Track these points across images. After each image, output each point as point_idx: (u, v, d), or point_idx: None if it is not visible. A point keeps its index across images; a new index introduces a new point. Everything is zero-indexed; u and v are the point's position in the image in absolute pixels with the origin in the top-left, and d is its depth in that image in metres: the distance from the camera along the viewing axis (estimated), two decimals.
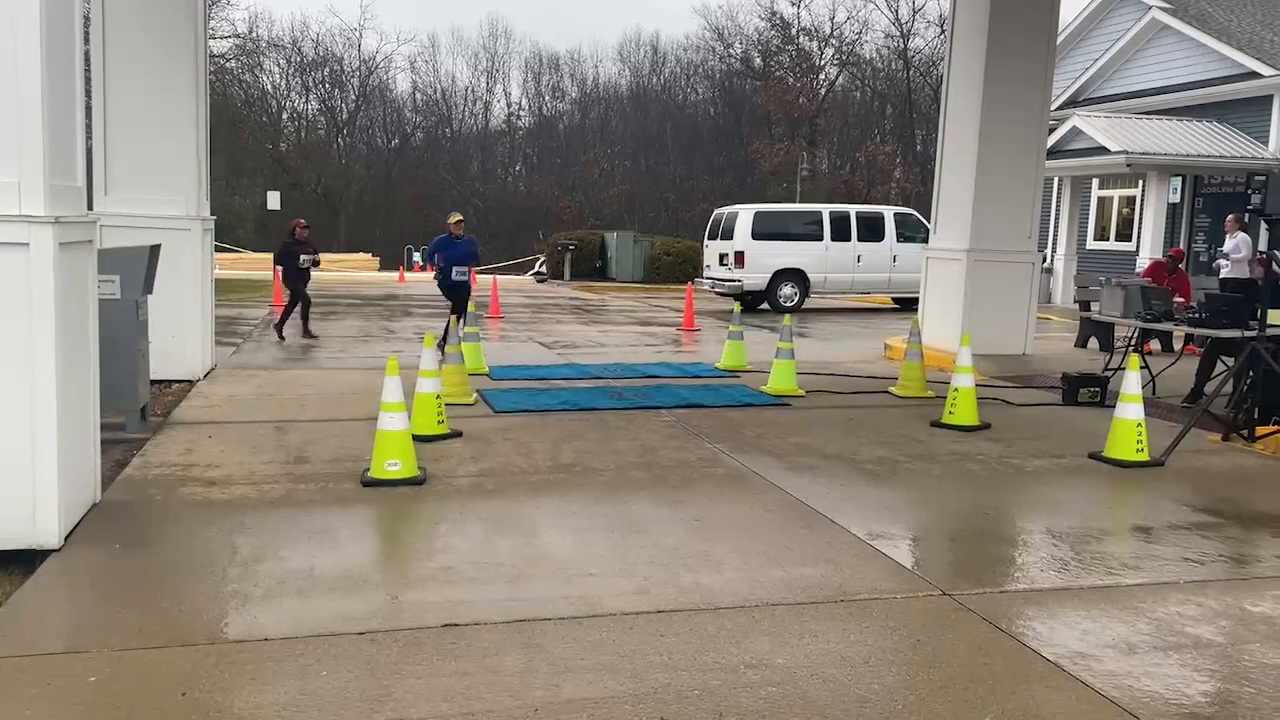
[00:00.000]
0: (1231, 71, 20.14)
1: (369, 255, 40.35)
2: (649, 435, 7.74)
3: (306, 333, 13.63)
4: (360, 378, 10.08)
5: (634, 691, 3.50)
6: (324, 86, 57.37)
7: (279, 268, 14.13)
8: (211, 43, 37.91)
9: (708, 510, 5.82)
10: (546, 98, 61.14)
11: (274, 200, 31.03)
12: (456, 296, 12.37)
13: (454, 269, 12.39)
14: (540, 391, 9.56)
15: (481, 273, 34.41)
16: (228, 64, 50.35)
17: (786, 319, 10.32)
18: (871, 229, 20.77)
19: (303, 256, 13.41)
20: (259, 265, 33.90)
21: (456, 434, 7.46)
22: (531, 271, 35.28)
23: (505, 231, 52.52)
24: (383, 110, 59.03)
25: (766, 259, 20.02)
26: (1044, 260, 21.46)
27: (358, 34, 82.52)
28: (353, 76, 57.89)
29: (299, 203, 49.83)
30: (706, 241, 21.78)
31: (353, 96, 58.04)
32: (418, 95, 59.90)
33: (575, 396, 9.29)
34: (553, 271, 32.43)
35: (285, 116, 57.36)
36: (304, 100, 57.41)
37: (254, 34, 53.26)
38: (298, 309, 13.57)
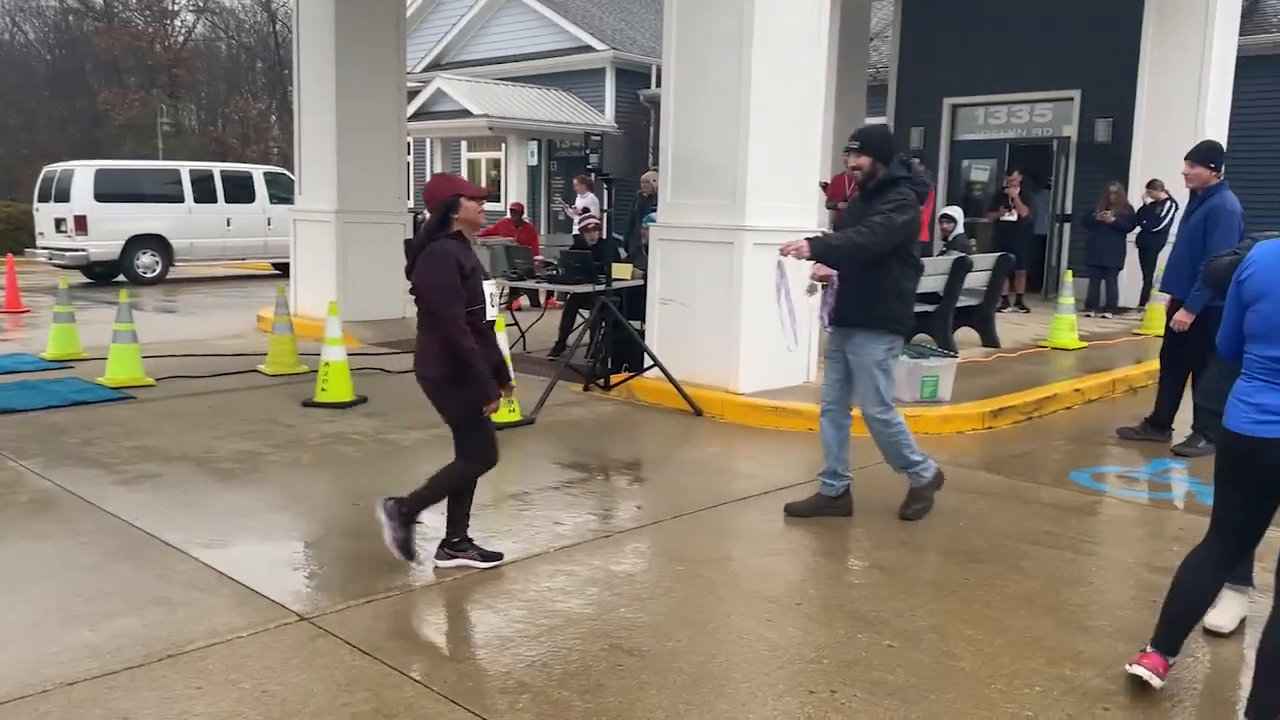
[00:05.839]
0: (572, 44, 22.02)
1: None
2: None
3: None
4: None
5: None
6: None
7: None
8: None
9: None
10: None
11: None
12: None
13: None
14: None
15: None
16: None
17: (123, 294, 8.72)
18: (242, 189, 19.07)
19: (490, 291, 4.38)
20: None
21: None
22: None
23: None
24: None
25: (117, 224, 17.35)
26: (418, 221, 21.73)
27: None
28: None
29: None
30: (38, 205, 18.25)
31: None
32: None
33: None
34: None
35: None
36: None
37: None
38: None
